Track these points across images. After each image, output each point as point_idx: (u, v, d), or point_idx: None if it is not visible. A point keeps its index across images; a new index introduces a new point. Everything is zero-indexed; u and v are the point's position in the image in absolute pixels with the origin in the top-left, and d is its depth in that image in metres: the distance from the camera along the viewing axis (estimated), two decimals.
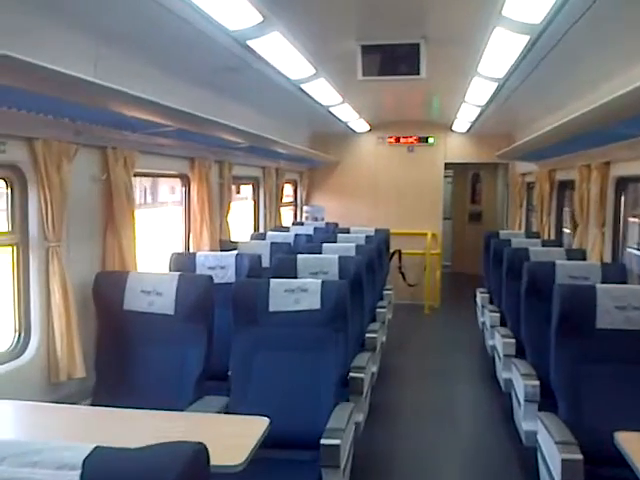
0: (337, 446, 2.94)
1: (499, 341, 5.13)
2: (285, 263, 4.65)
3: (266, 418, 2.45)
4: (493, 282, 6.39)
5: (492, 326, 5.79)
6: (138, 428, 2.44)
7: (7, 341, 3.33)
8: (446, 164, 10.04)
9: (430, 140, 9.89)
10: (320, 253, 5.30)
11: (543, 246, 5.99)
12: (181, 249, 5.53)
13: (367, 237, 6.61)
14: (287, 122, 7.73)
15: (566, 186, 7.09)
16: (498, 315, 5.84)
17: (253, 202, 7.81)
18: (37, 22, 2.93)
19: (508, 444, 4.56)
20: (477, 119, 7.86)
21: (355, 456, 3.52)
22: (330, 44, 4.54)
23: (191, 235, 5.51)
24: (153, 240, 7.56)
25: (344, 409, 3.34)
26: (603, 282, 4.19)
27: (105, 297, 3.53)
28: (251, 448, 2.19)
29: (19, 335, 3.33)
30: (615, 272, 4.37)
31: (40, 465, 1.14)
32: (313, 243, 6.03)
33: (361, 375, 3.99)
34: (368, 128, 9.70)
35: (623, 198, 5.25)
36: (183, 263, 4.39)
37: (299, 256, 4.70)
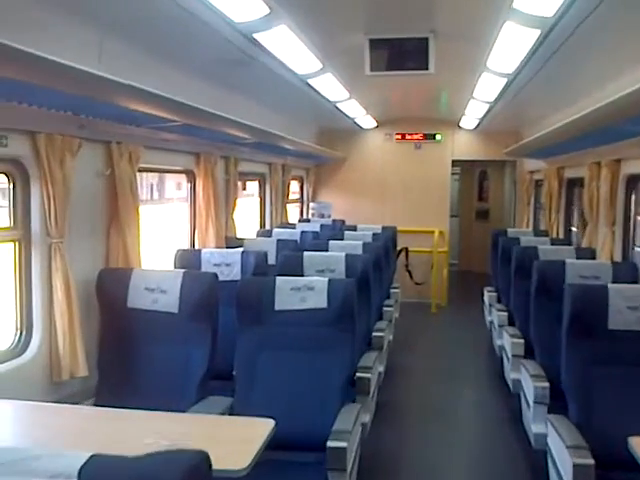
0: (344, 449, 2.88)
1: (507, 341, 5.06)
2: (291, 260, 4.59)
3: (271, 420, 2.39)
4: (501, 281, 6.32)
5: (500, 325, 5.72)
6: (140, 429, 2.38)
7: (8, 339, 3.28)
8: (453, 161, 9.98)
9: (437, 137, 9.82)
10: (327, 250, 5.24)
11: (552, 245, 5.93)
12: (186, 245, 5.48)
13: (374, 235, 6.56)
14: (293, 118, 7.67)
15: (575, 184, 7.01)
16: (506, 314, 5.77)
17: (259, 198, 7.77)
18: (40, 13, 2.87)
19: (516, 446, 4.49)
20: (485, 116, 7.79)
21: (361, 457, 3.46)
22: (338, 38, 4.48)
23: (196, 231, 5.46)
24: (159, 236, 7.52)
25: (350, 410, 3.28)
26: (614, 282, 4.11)
27: (108, 294, 3.48)
28: (255, 452, 2.13)
29: (20, 333, 3.27)
30: (626, 271, 4.29)
31: (34, 473, 1.09)
32: (320, 240, 5.98)
33: (368, 375, 3.93)
34: (375, 124, 9.63)
35: (634, 196, 5.17)
36: (188, 260, 4.34)
37: (305, 253, 4.64)
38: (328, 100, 6.52)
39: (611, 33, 3.66)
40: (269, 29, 3.68)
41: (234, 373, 3.47)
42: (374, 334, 4.92)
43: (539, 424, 3.70)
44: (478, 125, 8.94)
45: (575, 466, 2.76)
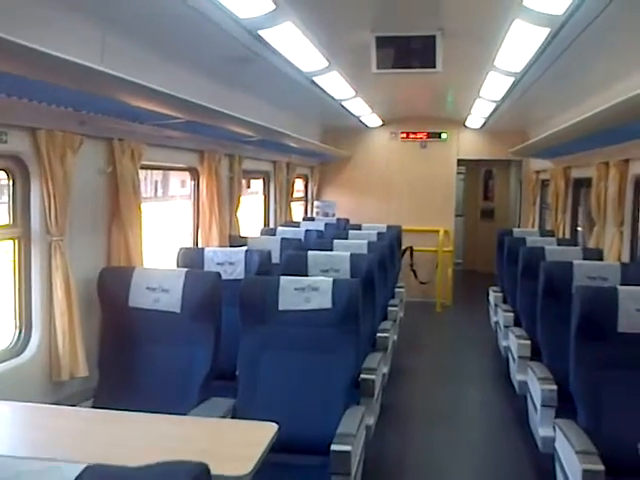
0: (348, 453, 2.84)
1: (513, 342, 5.01)
2: (295, 260, 4.55)
3: (274, 424, 2.34)
4: (507, 281, 6.27)
5: (506, 326, 5.67)
6: (141, 433, 2.34)
7: (7, 338, 3.23)
8: (459, 160, 9.93)
9: (443, 136, 9.78)
10: (331, 250, 5.20)
11: (558, 245, 5.87)
12: (190, 244, 5.44)
13: (379, 234, 6.51)
14: (298, 116, 7.63)
15: (582, 184, 6.95)
16: (512, 315, 5.72)
17: (263, 197, 7.73)
18: (42, 9, 2.83)
19: (523, 449, 4.44)
20: (491, 115, 7.75)
21: (366, 460, 3.42)
22: (344, 35, 4.43)
23: (200, 230, 5.41)
24: (163, 234, 7.49)
25: (355, 413, 3.24)
26: (623, 283, 4.05)
27: (110, 293, 3.43)
28: (258, 458, 2.08)
29: (20, 332, 3.23)
30: (635, 273, 4.23)
31: None
32: (324, 239, 5.94)
33: (372, 377, 3.89)
34: (381, 123, 9.59)
35: None
36: (191, 258, 4.31)
37: (310, 253, 4.60)
38: (333, 98, 6.47)
39: (620, 33, 3.61)
40: (274, 26, 3.64)
41: (237, 373, 3.42)
42: (378, 334, 4.87)
43: (546, 427, 3.65)
44: (484, 124, 8.89)
45: (585, 472, 2.71)
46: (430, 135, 9.79)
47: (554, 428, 3.29)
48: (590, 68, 4.48)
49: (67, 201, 3.23)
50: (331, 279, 3.54)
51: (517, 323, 5.45)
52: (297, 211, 9.25)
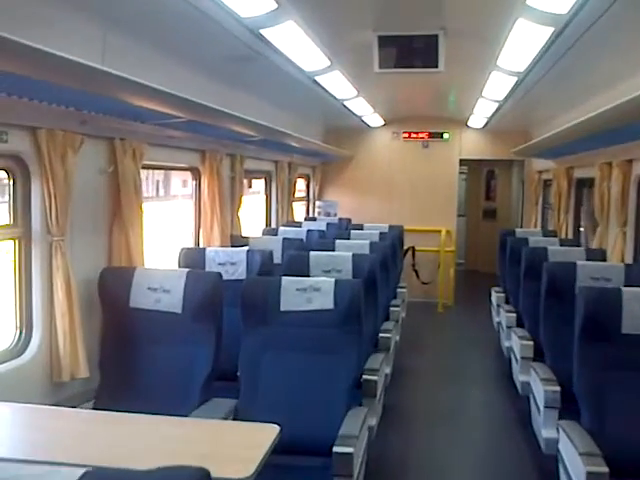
0: (350, 454, 2.82)
1: (516, 343, 4.99)
2: (297, 260, 4.53)
3: (276, 426, 2.32)
4: (509, 281, 6.25)
5: (508, 327, 5.65)
6: (142, 435, 2.32)
7: (8, 339, 3.21)
8: (460, 160, 9.90)
9: (445, 136, 9.75)
10: (333, 250, 5.18)
11: (561, 245, 5.85)
12: (191, 244, 5.42)
13: (381, 234, 6.49)
14: (300, 115, 7.61)
15: (584, 184, 6.93)
16: (515, 315, 5.70)
17: (265, 196, 7.71)
18: (43, 9, 2.82)
19: (526, 450, 4.42)
20: (494, 115, 7.73)
21: (368, 461, 3.40)
22: (346, 34, 4.42)
23: (201, 230, 5.39)
24: (165, 233, 7.48)
25: (357, 414, 3.22)
26: (626, 284, 4.03)
27: (111, 294, 3.42)
28: (259, 460, 2.06)
29: (20, 333, 3.21)
30: (639, 273, 4.21)
31: None
32: (326, 239, 5.92)
33: (375, 377, 3.87)
34: (382, 123, 9.56)
35: None
36: (192, 259, 4.29)
37: (312, 253, 4.58)
38: (335, 98, 6.45)
39: (624, 32, 3.59)
40: (276, 25, 3.62)
41: (238, 374, 3.40)
42: (381, 335, 4.85)
43: (550, 429, 3.63)
44: (486, 124, 8.87)
45: (589, 474, 2.68)
46: (432, 135, 9.76)
47: (557, 429, 3.27)
48: (594, 68, 4.46)
49: (68, 201, 3.21)
50: (333, 279, 3.52)
51: (520, 324, 5.43)
52: (299, 211, 9.23)
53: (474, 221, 12.65)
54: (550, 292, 4.14)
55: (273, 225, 7.57)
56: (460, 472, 4.34)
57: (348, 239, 6.07)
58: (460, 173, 10.37)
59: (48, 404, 3.07)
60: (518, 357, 4.84)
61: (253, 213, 7.71)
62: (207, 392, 3.25)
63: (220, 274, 3.48)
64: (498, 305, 6.61)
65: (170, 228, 7.62)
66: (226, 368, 3.41)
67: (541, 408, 3.79)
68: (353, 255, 4.56)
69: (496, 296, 6.84)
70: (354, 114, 7.96)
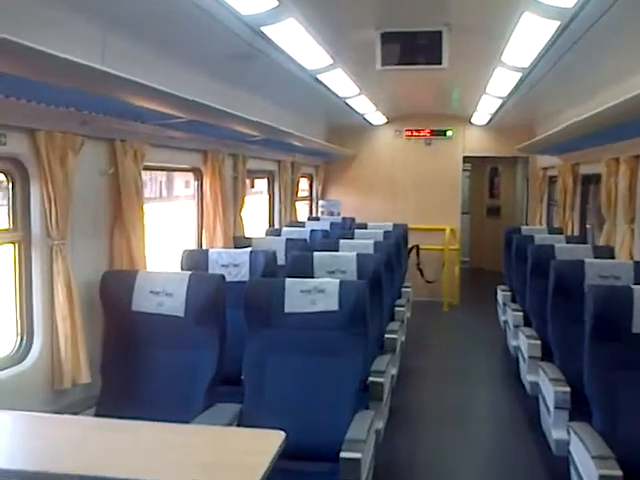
0: (358, 460, 2.77)
1: (524, 342, 4.93)
2: (301, 261, 4.48)
3: (281, 432, 2.26)
4: (515, 280, 6.19)
5: (515, 326, 5.59)
6: (145, 442, 2.27)
7: (8, 345, 3.17)
8: (464, 158, 9.85)
9: (448, 133, 9.70)
10: (337, 250, 5.14)
11: (567, 243, 5.79)
12: (194, 244, 5.38)
13: (385, 233, 6.44)
14: (302, 114, 7.56)
15: (590, 180, 6.87)
16: (521, 314, 5.64)
17: (268, 196, 7.67)
18: (42, 8, 2.78)
19: (535, 451, 4.35)
20: (497, 111, 7.68)
21: (375, 464, 3.35)
22: (348, 32, 4.37)
23: (204, 231, 5.35)
24: (168, 234, 7.46)
25: (364, 417, 3.17)
26: (636, 282, 3.97)
27: (112, 298, 3.37)
28: (265, 467, 2.01)
29: (21, 339, 3.17)
30: None
31: None
32: (330, 239, 5.87)
33: (381, 379, 3.82)
34: (385, 121, 9.51)
35: None
36: (195, 260, 4.25)
37: (316, 254, 4.53)
38: (338, 96, 6.41)
39: (631, 26, 3.54)
40: (277, 22, 3.58)
41: (242, 378, 3.36)
42: (386, 336, 4.80)
43: (560, 430, 3.58)
44: (490, 121, 8.82)
45: (601, 477, 2.63)
46: (435, 132, 9.71)
47: (568, 431, 3.22)
48: (600, 62, 4.40)
49: (68, 204, 3.17)
50: (338, 281, 3.48)
51: (527, 322, 5.38)
52: (302, 211, 9.19)
53: (478, 219, 12.59)
54: (558, 290, 4.09)
55: (276, 225, 7.53)
56: (469, 474, 4.29)
57: (352, 239, 6.03)
58: (463, 170, 10.31)
59: (50, 411, 3.03)
60: (526, 356, 4.79)
61: (256, 213, 7.66)
62: (211, 397, 3.21)
63: (223, 276, 3.44)
64: (504, 304, 6.56)
65: (173, 229, 7.60)
66: (230, 371, 3.38)
67: (551, 409, 3.73)
68: (357, 255, 4.52)
69: (502, 294, 6.78)
70: (356, 112, 7.92)
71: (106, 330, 3.38)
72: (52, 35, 2.77)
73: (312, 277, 4.21)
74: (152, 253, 4.04)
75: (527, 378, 4.68)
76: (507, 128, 9.18)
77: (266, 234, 6.42)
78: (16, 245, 3.14)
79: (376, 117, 8.94)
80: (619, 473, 2.62)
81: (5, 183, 3.13)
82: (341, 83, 5.78)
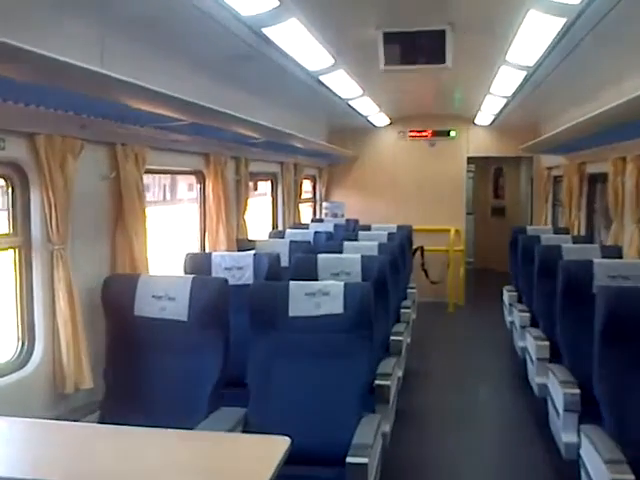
0: (364, 465, 2.73)
1: (531, 343, 4.88)
2: (305, 263, 4.44)
3: (287, 438, 2.22)
4: (522, 280, 6.14)
5: (522, 326, 5.54)
6: (148, 449, 2.23)
7: (10, 351, 3.13)
8: (468, 158, 9.81)
9: (452, 134, 9.67)
10: (341, 252, 5.11)
11: (574, 242, 5.74)
12: (197, 248, 5.34)
13: (389, 234, 6.39)
14: (304, 116, 7.54)
15: (596, 180, 6.81)
16: (528, 315, 5.59)
17: (271, 199, 7.64)
18: (39, 10, 2.75)
19: (545, 454, 4.30)
20: (501, 111, 7.63)
21: (382, 468, 3.32)
22: (350, 32, 4.33)
23: (207, 234, 5.31)
24: (172, 238, 7.43)
25: (370, 422, 3.14)
26: None
27: (114, 302, 3.34)
28: (270, 475, 1.97)
29: (22, 344, 3.13)
30: None
31: None
32: (334, 241, 5.84)
33: (387, 382, 3.78)
34: (388, 122, 9.48)
35: None
36: (198, 264, 4.22)
37: (320, 256, 4.49)
38: (340, 97, 6.37)
39: (638, 23, 3.47)
40: (278, 23, 3.54)
41: (247, 382, 3.32)
42: (392, 338, 4.76)
43: (569, 433, 3.53)
44: (494, 121, 8.78)
45: None
46: (439, 133, 9.68)
47: (579, 434, 3.17)
48: (606, 60, 4.36)
49: (68, 208, 3.13)
50: (342, 283, 3.45)
51: (533, 323, 5.34)
52: (306, 212, 9.16)
53: (483, 219, 12.54)
54: (566, 291, 4.04)
55: (280, 227, 7.50)
56: (477, 478, 4.23)
57: (356, 240, 5.99)
58: (467, 171, 10.27)
59: (52, 417, 3.00)
60: (534, 358, 4.73)
61: (260, 215, 7.63)
62: (215, 401, 3.18)
63: (226, 280, 3.41)
64: (510, 304, 6.51)
65: (177, 232, 7.57)
66: (234, 375, 3.33)
67: (560, 412, 3.68)
68: (362, 257, 4.48)
69: (508, 295, 6.73)
70: (359, 114, 7.89)
71: (108, 335, 3.35)
72: (50, 37, 2.75)
73: (316, 279, 4.16)
74: (156, 257, 4.00)
75: (535, 380, 4.63)
76: (511, 128, 9.14)
77: (270, 236, 6.39)
78: (16, 250, 3.10)
79: (379, 118, 8.90)
80: (631, 477, 2.57)
81: (5, 188, 3.10)
82: (343, 84, 5.74)
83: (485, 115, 8.46)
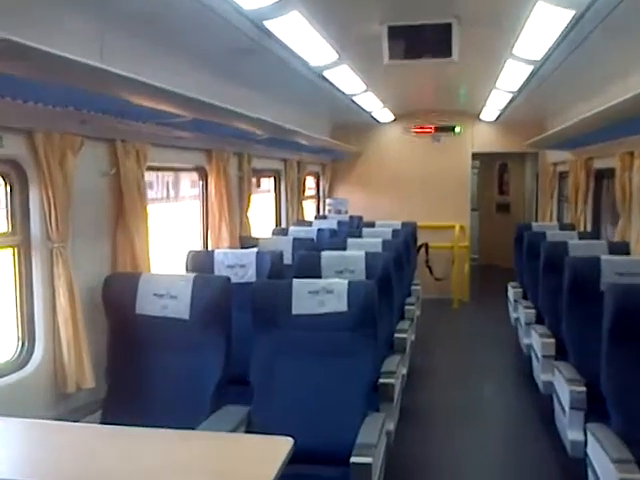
0: (369, 465, 2.69)
1: (537, 340, 4.84)
2: (308, 261, 4.40)
3: (290, 438, 2.18)
4: (527, 277, 6.10)
5: (527, 323, 5.50)
6: (150, 450, 2.20)
7: (10, 350, 3.10)
8: (473, 154, 9.75)
9: (457, 129, 9.60)
10: (345, 249, 5.07)
11: (580, 239, 5.70)
12: (199, 246, 5.31)
13: (394, 231, 6.35)
14: (307, 112, 7.49)
15: (602, 175, 6.75)
16: (534, 312, 5.55)
17: (274, 195, 7.60)
18: (38, 5, 2.72)
19: (550, 452, 4.26)
20: (507, 107, 7.58)
21: (387, 467, 3.28)
22: (354, 25, 4.27)
23: (209, 231, 5.27)
24: (175, 235, 7.41)
25: (375, 420, 3.11)
26: None
27: (116, 301, 3.31)
28: (273, 476, 1.93)
29: (23, 344, 3.10)
30: None
31: None
32: (337, 238, 5.80)
33: (392, 381, 3.74)
34: (392, 118, 9.41)
35: None
36: (200, 262, 4.19)
37: (323, 254, 4.45)
38: (344, 93, 6.32)
39: None
40: (280, 16, 3.48)
41: (250, 380, 3.29)
42: (396, 335, 4.71)
43: (575, 431, 3.50)
44: (499, 117, 8.73)
45: None
46: (444, 129, 9.61)
47: (585, 432, 3.13)
48: (615, 53, 4.30)
49: (68, 206, 3.10)
50: (346, 281, 3.41)
51: (539, 320, 5.30)
52: (309, 209, 9.12)
53: (487, 215, 12.49)
54: (573, 288, 3.99)
55: (283, 224, 7.46)
56: (482, 476, 4.19)
57: (360, 237, 5.95)
58: (472, 167, 10.21)
59: (53, 417, 2.98)
60: (539, 355, 4.69)
61: (262, 213, 7.59)
62: (218, 400, 3.15)
63: (229, 278, 3.38)
64: (515, 301, 6.47)
65: (180, 230, 7.54)
66: (237, 372, 3.30)
67: (566, 409, 3.64)
68: (366, 254, 4.44)
69: (513, 292, 6.68)
70: (363, 110, 7.83)
71: (110, 334, 3.31)
72: (49, 34, 2.71)
73: (320, 277, 4.14)
74: (160, 255, 3.96)
75: (541, 377, 4.59)
76: (516, 123, 9.07)
77: (273, 234, 6.35)
78: (16, 249, 3.07)
79: (383, 114, 8.84)
80: None
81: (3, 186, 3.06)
82: (347, 80, 5.68)
83: (490, 110, 8.39)
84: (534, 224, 7.34)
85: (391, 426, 3.61)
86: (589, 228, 6.96)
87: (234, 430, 2.94)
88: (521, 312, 5.92)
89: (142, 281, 3.31)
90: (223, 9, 3.20)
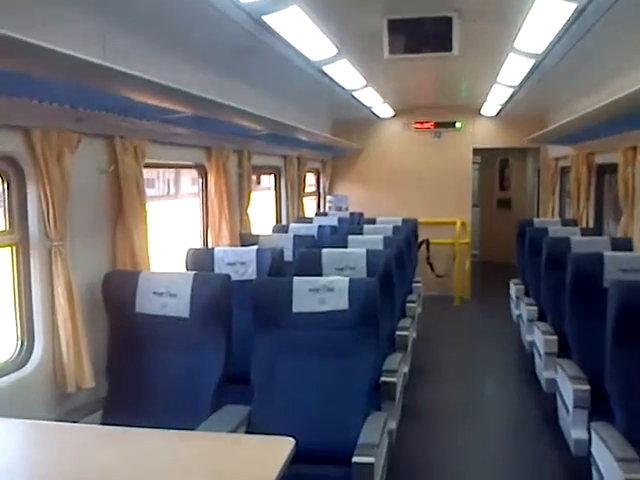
0: (371, 465, 2.67)
1: (539, 338, 4.81)
2: (309, 258, 4.38)
3: (291, 439, 2.16)
4: (529, 273, 6.07)
5: (530, 320, 5.47)
6: (150, 451, 2.17)
7: (9, 350, 3.07)
8: (474, 150, 9.71)
9: (457, 125, 9.57)
10: (346, 246, 5.04)
11: (583, 235, 5.66)
12: (199, 243, 5.28)
13: (395, 227, 6.32)
14: (307, 108, 7.45)
15: (604, 170, 6.71)
16: (536, 308, 5.52)
17: (275, 192, 7.57)
18: (40, 4, 2.70)
19: (554, 450, 4.23)
20: (508, 102, 7.54)
21: (389, 466, 3.25)
22: (354, 19, 4.23)
23: (209, 229, 5.24)
24: (176, 232, 7.38)
25: (377, 420, 3.08)
26: None
27: (115, 299, 3.29)
28: (274, 477, 1.91)
29: (21, 343, 3.06)
30: None
31: None
32: (338, 235, 5.76)
33: (393, 379, 3.71)
34: (393, 113, 9.39)
35: None
36: (200, 259, 4.16)
37: (324, 251, 4.42)
38: (344, 88, 6.29)
39: None
40: (279, 10, 3.44)
41: (251, 379, 3.27)
42: (398, 333, 4.69)
43: (579, 429, 3.47)
44: (500, 112, 8.69)
45: None
46: (444, 124, 9.57)
47: (589, 431, 3.10)
48: (618, 47, 4.27)
49: (66, 203, 3.06)
50: (347, 279, 3.38)
51: (541, 317, 5.27)
52: (310, 206, 9.10)
53: (488, 211, 12.46)
54: (576, 284, 3.96)
55: (284, 221, 7.43)
56: (485, 475, 4.17)
57: (361, 234, 5.91)
58: (473, 163, 10.18)
59: (53, 417, 2.96)
60: (542, 352, 4.67)
61: (263, 210, 7.56)
62: (219, 399, 3.13)
63: (229, 276, 3.35)
64: (517, 298, 6.44)
65: (180, 227, 7.52)
66: (237, 371, 3.27)
67: (570, 408, 3.61)
68: (367, 252, 4.41)
69: (515, 288, 6.65)
70: (363, 105, 7.79)
71: (110, 333, 3.29)
72: (51, 34, 2.66)
73: (320, 274, 4.11)
74: (160, 252, 3.93)
75: (543, 375, 4.57)
76: (517, 119, 9.03)
77: (273, 231, 6.33)
78: (13, 248, 3.04)
79: (383, 110, 8.81)
80: None
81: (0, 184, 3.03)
82: (347, 74, 5.65)
83: (491, 105, 8.36)
84: (536, 220, 7.30)
85: (393, 425, 3.59)
86: (591, 224, 6.92)
87: (235, 430, 2.92)
88: (523, 309, 5.89)
89: (142, 279, 3.29)
90: (221, 3, 3.17)
